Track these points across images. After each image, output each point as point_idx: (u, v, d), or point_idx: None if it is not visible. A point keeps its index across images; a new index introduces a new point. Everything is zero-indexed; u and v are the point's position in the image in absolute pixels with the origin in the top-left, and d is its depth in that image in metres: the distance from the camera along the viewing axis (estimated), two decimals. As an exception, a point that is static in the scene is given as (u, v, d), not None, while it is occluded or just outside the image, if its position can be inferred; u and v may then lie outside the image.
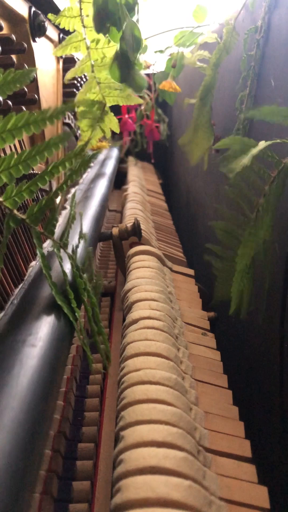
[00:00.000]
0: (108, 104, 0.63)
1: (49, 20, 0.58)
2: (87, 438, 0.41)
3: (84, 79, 0.97)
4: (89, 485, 0.36)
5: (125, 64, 0.55)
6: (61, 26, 0.57)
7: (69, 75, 0.63)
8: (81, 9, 0.55)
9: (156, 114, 1.53)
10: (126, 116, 1.32)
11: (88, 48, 0.58)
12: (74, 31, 0.58)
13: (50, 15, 0.56)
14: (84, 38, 0.58)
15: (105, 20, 0.53)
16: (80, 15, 0.56)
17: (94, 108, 0.62)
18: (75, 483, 0.36)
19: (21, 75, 0.28)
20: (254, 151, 0.36)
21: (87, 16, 0.56)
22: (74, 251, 0.38)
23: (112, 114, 0.64)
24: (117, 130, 0.65)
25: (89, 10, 0.55)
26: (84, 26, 0.57)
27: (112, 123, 0.64)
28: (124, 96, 0.61)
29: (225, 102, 0.74)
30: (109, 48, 0.58)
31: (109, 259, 0.86)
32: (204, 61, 0.69)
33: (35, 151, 0.31)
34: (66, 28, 0.57)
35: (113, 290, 0.71)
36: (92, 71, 0.60)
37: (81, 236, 0.39)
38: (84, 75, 0.95)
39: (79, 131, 0.99)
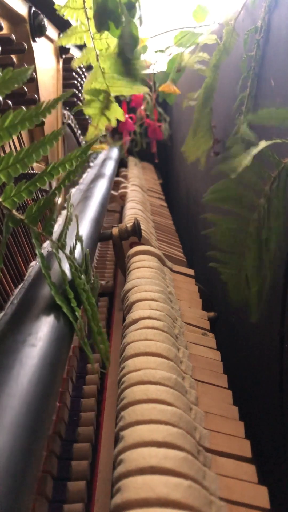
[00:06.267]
0: (112, 94, 0.64)
1: (49, 20, 0.58)
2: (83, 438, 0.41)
3: (85, 79, 0.97)
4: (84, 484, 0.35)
5: (125, 61, 0.56)
6: (65, 17, 0.58)
7: (76, 63, 0.64)
8: (84, 1, 0.56)
9: (157, 114, 1.54)
10: (126, 115, 1.32)
11: (92, 38, 0.59)
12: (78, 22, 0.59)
13: (56, 5, 0.57)
14: (89, 29, 0.58)
15: (105, 18, 0.53)
16: (84, 7, 0.56)
17: (99, 97, 0.63)
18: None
19: (19, 74, 0.28)
20: (254, 151, 0.36)
21: (90, 8, 0.57)
22: (72, 251, 0.38)
23: (117, 104, 0.65)
24: (122, 119, 0.66)
25: (92, 2, 0.56)
26: (88, 18, 0.57)
27: (117, 112, 0.65)
28: (128, 86, 0.61)
29: (225, 104, 0.74)
30: (113, 38, 0.59)
31: (107, 259, 0.86)
32: (204, 63, 0.69)
33: (31, 149, 0.31)
34: (71, 19, 0.58)
35: (111, 290, 0.71)
36: (97, 61, 0.60)
37: (78, 238, 0.39)
38: (84, 75, 0.96)
39: (79, 131, 0.99)
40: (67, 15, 0.57)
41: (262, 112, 0.36)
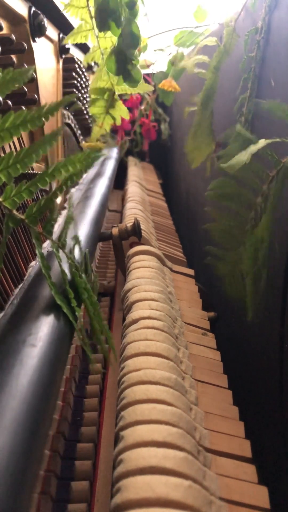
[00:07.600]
0: (117, 93, 0.64)
1: (49, 20, 0.59)
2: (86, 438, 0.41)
3: (84, 79, 0.97)
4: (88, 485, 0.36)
5: (121, 59, 0.56)
6: (70, 16, 0.58)
7: (85, 60, 0.65)
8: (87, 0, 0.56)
9: (157, 114, 1.53)
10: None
11: (97, 37, 0.59)
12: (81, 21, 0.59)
13: (61, 2, 0.57)
14: (93, 28, 0.59)
15: (107, 18, 0.53)
16: (87, 5, 0.57)
17: (104, 96, 0.63)
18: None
19: (19, 74, 0.28)
20: (253, 148, 0.36)
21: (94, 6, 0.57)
22: (71, 251, 0.38)
23: (121, 102, 0.65)
24: (127, 117, 0.67)
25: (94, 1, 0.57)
26: (92, 16, 0.58)
27: (122, 110, 0.65)
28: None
29: (225, 105, 0.74)
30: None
31: (109, 259, 0.86)
32: (203, 65, 0.69)
33: (31, 150, 0.31)
34: (75, 18, 0.58)
35: (113, 290, 0.71)
36: (102, 59, 0.61)
37: (75, 239, 0.39)
38: (84, 75, 0.96)
39: (79, 131, 0.99)
40: (72, 14, 0.58)
41: (267, 103, 0.36)
